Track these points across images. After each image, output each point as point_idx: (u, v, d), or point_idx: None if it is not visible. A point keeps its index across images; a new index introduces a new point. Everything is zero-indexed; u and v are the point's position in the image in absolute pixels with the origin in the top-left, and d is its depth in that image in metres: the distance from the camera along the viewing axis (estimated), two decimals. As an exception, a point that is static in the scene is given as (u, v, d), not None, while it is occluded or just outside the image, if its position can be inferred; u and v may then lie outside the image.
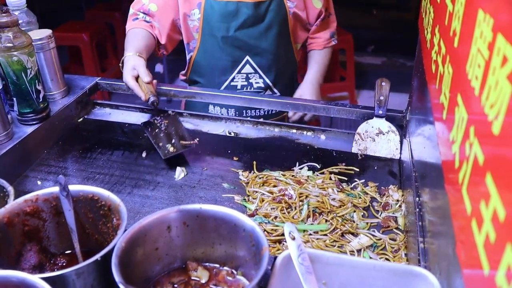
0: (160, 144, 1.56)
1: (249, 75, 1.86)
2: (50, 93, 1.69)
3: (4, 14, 1.39)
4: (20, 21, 1.49)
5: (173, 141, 1.55)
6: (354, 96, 4.64)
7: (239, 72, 1.86)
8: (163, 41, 1.86)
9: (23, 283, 0.77)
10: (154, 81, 1.64)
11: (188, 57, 1.93)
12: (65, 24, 4.71)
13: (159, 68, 5.00)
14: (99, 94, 2.10)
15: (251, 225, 0.91)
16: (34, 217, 0.98)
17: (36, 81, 1.50)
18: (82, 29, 4.45)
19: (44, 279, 0.77)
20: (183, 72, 2.00)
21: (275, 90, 1.91)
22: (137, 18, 1.85)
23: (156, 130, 1.61)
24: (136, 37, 1.78)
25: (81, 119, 1.78)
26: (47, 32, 1.64)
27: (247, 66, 1.85)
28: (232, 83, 1.87)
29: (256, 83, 1.87)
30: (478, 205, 0.58)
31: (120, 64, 1.70)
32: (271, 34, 1.80)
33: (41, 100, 1.54)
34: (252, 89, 1.88)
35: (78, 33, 4.39)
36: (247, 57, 1.83)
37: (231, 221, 0.95)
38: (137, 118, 1.81)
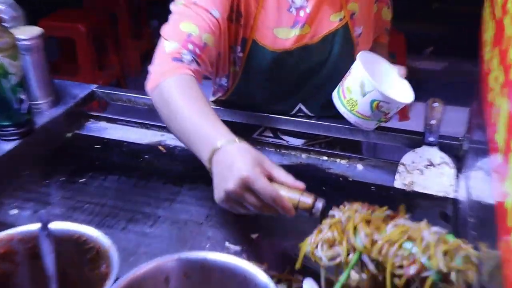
0: None
1: None
2: (35, 103, 1.74)
3: (-16, 11, 1.45)
4: (4, 16, 1.54)
5: None
6: (405, 110, 4.55)
7: None
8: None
9: None
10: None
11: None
12: (58, 11, 4.82)
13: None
14: (95, 104, 2.14)
15: (265, 281, 0.93)
16: (5, 261, 1.02)
17: (20, 88, 1.55)
18: (79, 19, 4.58)
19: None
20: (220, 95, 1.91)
21: None
22: (181, 60, 1.46)
23: None
24: (201, 104, 1.38)
25: (70, 134, 1.83)
26: (37, 30, 1.69)
27: None
28: None
29: None
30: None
31: (208, 166, 1.24)
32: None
33: (24, 111, 1.59)
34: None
35: (73, 23, 4.51)
36: None
37: (241, 273, 0.97)
38: (138, 135, 1.85)
